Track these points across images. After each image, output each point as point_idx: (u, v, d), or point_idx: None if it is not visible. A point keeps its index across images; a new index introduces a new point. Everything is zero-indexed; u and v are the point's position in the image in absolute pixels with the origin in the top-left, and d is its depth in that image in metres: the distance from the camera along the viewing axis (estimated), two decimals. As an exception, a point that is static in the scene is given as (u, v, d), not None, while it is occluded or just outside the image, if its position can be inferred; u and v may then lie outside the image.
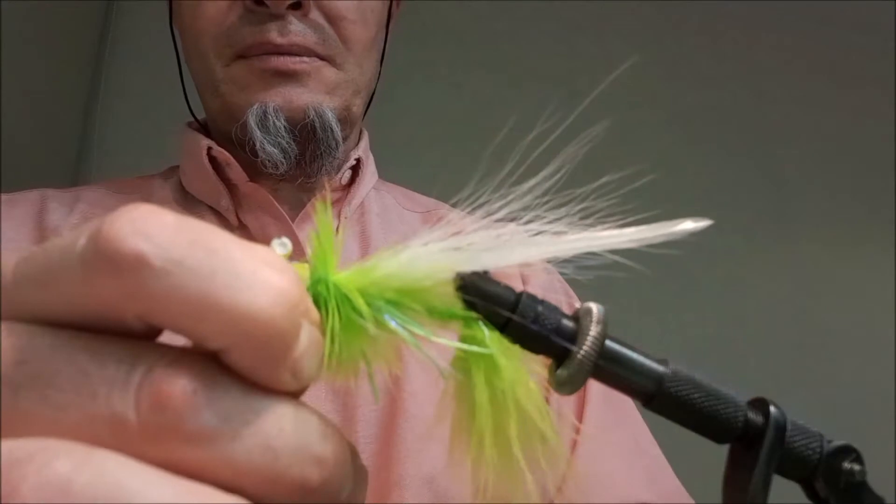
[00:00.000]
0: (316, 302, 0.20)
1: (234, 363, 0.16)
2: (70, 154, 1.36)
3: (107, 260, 0.15)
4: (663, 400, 0.22)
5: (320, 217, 0.21)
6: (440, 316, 0.21)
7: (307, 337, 0.16)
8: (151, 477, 0.15)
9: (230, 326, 0.15)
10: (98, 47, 1.42)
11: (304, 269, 0.21)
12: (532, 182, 0.22)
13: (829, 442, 0.22)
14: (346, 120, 0.56)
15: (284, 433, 0.16)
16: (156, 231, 0.15)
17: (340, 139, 0.55)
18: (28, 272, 0.16)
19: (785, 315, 1.47)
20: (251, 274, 0.15)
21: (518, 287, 0.22)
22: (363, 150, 0.62)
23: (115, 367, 0.15)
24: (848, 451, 0.22)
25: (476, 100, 1.45)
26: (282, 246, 0.21)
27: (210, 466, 0.15)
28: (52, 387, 0.15)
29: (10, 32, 1.05)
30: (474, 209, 0.22)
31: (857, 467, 0.22)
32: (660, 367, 0.22)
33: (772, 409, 0.22)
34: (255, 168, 0.54)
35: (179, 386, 0.15)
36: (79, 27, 1.36)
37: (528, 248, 0.22)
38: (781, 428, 0.22)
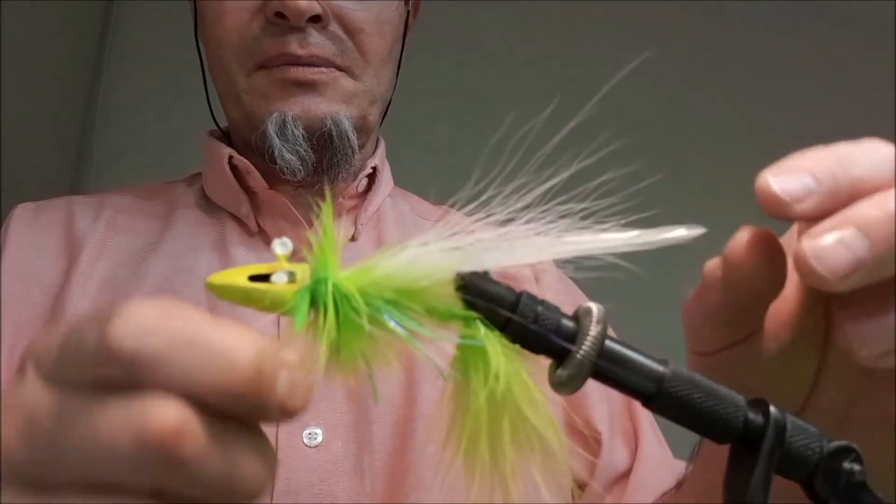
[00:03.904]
0: (315, 301, 0.20)
1: (227, 412, 0.20)
2: (70, 154, 1.36)
3: (110, 357, 0.19)
4: (663, 400, 0.22)
5: (322, 218, 0.21)
6: (440, 316, 0.21)
7: (286, 382, 0.19)
8: None
9: (217, 395, 0.19)
10: (98, 47, 1.42)
11: (304, 269, 0.21)
12: (534, 183, 0.22)
13: (829, 442, 0.22)
14: (362, 128, 0.57)
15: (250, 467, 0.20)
16: (148, 329, 0.19)
17: (356, 147, 0.56)
18: (62, 355, 0.20)
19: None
20: (222, 352, 0.19)
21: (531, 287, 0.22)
22: (379, 159, 0.63)
23: (116, 408, 0.19)
24: (848, 451, 0.22)
25: (482, 100, 1.45)
26: (282, 246, 0.21)
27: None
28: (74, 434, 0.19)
29: (10, 32, 1.05)
30: (478, 209, 0.22)
31: (856, 467, 0.22)
32: (660, 367, 0.22)
33: (772, 408, 0.22)
34: (273, 175, 0.56)
35: (172, 416, 0.19)
36: (79, 27, 1.36)
37: (528, 248, 0.22)
38: (781, 428, 0.22)
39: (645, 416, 0.57)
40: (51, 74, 1.25)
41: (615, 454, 0.54)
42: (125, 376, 0.19)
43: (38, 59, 1.19)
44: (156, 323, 0.19)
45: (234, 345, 0.19)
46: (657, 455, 0.55)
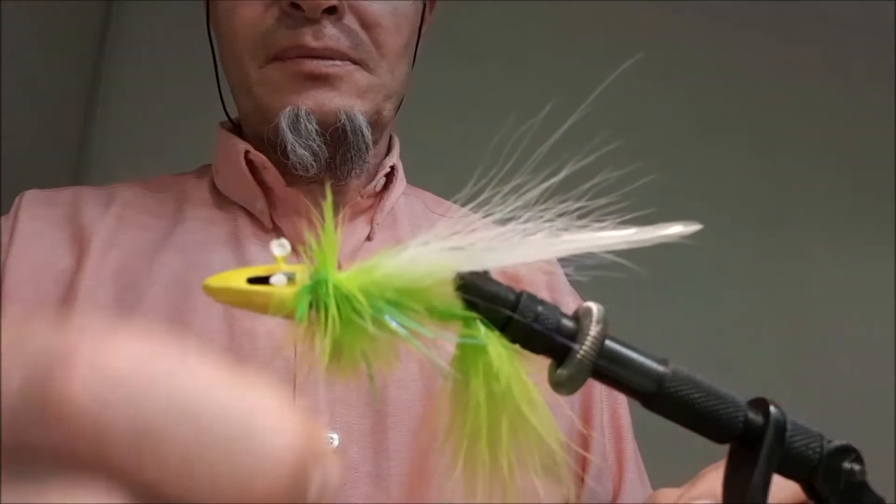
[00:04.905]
0: (316, 302, 0.20)
1: None
2: (70, 154, 1.36)
3: (61, 427, 0.12)
4: (663, 400, 0.22)
5: (324, 217, 0.21)
6: (440, 316, 0.21)
7: (321, 479, 0.14)
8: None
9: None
10: (98, 47, 1.42)
11: (304, 270, 0.21)
12: (534, 182, 0.22)
13: (829, 442, 0.22)
14: (376, 124, 0.57)
15: None
16: (117, 391, 0.12)
17: (371, 143, 0.55)
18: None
19: (785, 314, 1.47)
20: (248, 439, 0.12)
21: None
22: (396, 158, 0.62)
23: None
24: (848, 451, 0.22)
25: (480, 100, 1.44)
26: (280, 247, 0.21)
27: None
28: None
29: (10, 32, 1.05)
30: (482, 208, 0.22)
31: (856, 467, 0.22)
32: (660, 367, 0.22)
33: (772, 408, 0.22)
34: (285, 169, 0.55)
35: None
36: (79, 27, 1.36)
37: (527, 247, 0.22)
38: (781, 428, 0.22)
39: (631, 456, 0.57)
40: (51, 74, 1.24)
41: (599, 489, 0.54)
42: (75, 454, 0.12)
43: (38, 58, 1.19)
44: (129, 373, 0.12)
45: (265, 426, 0.12)
46: (638, 498, 0.55)
